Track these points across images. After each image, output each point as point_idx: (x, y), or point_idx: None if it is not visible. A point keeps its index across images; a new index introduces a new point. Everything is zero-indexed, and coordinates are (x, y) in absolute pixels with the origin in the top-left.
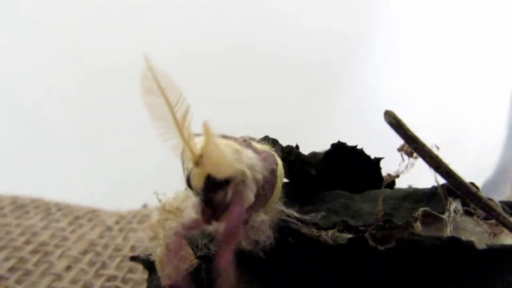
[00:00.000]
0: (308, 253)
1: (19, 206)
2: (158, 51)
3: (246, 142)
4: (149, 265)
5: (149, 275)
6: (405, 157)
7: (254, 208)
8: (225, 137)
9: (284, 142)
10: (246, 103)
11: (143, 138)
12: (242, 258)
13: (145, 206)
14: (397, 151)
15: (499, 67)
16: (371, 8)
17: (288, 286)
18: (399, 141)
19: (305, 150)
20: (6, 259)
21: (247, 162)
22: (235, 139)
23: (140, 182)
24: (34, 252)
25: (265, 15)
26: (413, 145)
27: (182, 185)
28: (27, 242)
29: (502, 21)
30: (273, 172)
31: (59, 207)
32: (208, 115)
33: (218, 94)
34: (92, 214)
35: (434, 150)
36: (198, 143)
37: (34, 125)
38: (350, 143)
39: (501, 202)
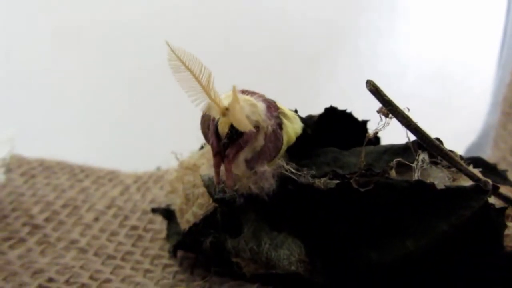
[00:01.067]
0: (304, 198)
1: (46, 167)
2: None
3: (263, 98)
4: (168, 215)
5: (168, 223)
6: (383, 117)
7: (261, 158)
8: (245, 91)
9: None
10: (246, 78)
11: (158, 107)
12: (251, 200)
13: (158, 168)
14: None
15: (486, 42)
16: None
17: (288, 225)
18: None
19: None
20: (41, 211)
21: (260, 115)
22: (253, 94)
23: (153, 146)
24: (64, 206)
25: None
26: (388, 107)
27: (196, 145)
28: (57, 198)
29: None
30: (276, 133)
31: (82, 168)
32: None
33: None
34: (112, 175)
35: (406, 111)
36: (224, 99)
37: (53, 90)
38: (345, 104)
39: (469, 157)
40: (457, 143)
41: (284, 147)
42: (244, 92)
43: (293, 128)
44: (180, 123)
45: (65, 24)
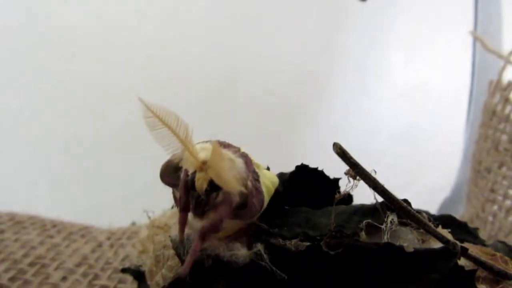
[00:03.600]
0: (276, 260)
1: (17, 222)
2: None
3: (239, 152)
4: (138, 275)
5: (138, 284)
6: (351, 179)
7: (248, 216)
8: (221, 143)
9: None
10: (223, 132)
11: (131, 160)
12: (220, 264)
13: (133, 223)
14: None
15: (454, 100)
16: (343, 42)
17: None
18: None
19: (276, 171)
20: (7, 270)
21: (239, 172)
22: (229, 146)
23: (128, 201)
24: (32, 264)
25: (245, 52)
26: (355, 170)
27: (169, 203)
28: (25, 255)
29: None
30: (256, 187)
31: (54, 223)
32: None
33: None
34: (85, 231)
35: (372, 173)
36: (200, 150)
37: (25, 142)
38: (321, 161)
39: (440, 216)
40: (431, 198)
41: (267, 199)
42: (220, 144)
43: (269, 179)
44: (158, 176)
45: (40, 77)
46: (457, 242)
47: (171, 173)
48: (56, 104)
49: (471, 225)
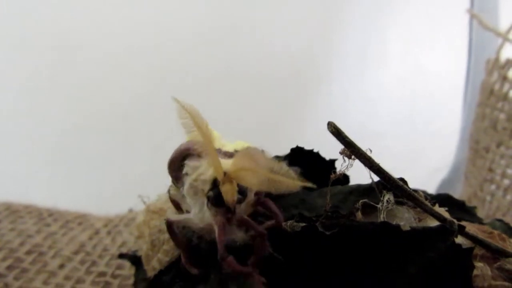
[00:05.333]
0: (272, 241)
1: (13, 211)
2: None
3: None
4: (136, 261)
5: (136, 269)
6: (346, 159)
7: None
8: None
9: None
10: (226, 114)
11: (127, 149)
12: (215, 245)
13: (130, 210)
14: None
15: (452, 81)
16: (342, 31)
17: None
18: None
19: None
20: (4, 259)
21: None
22: (225, 154)
23: (126, 189)
24: (29, 252)
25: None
26: (351, 149)
27: (164, 189)
28: (22, 244)
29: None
30: None
31: (50, 212)
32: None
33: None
34: (82, 218)
35: (368, 152)
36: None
37: (23, 133)
38: (321, 151)
39: (438, 195)
40: (430, 179)
41: None
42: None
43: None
44: (155, 162)
45: (36, 69)
46: (454, 220)
47: (178, 162)
48: (53, 93)
49: (469, 204)
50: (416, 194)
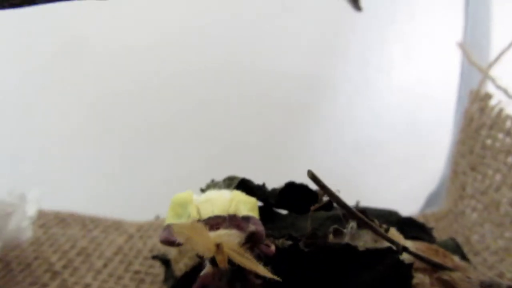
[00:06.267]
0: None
1: (61, 219)
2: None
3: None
4: (165, 261)
5: (166, 269)
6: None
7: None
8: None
9: (268, 165)
10: (229, 127)
11: (154, 156)
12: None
13: (157, 217)
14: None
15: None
16: (345, 41)
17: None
18: (365, 160)
19: (286, 169)
20: (59, 259)
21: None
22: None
23: (150, 196)
24: (78, 254)
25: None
26: (324, 189)
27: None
28: (72, 247)
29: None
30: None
31: (91, 219)
32: (192, 135)
33: (200, 119)
34: (118, 225)
35: (336, 192)
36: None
37: (52, 137)
38: (327, 159)
39: (404, 218)
40: (431, 185)
41: (257, 215)
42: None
43: (251, 205)
44: (177, 171)
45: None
46: (399, 242)
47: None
48: (86, 104)
49: (445, 218)
50: (371, 223)
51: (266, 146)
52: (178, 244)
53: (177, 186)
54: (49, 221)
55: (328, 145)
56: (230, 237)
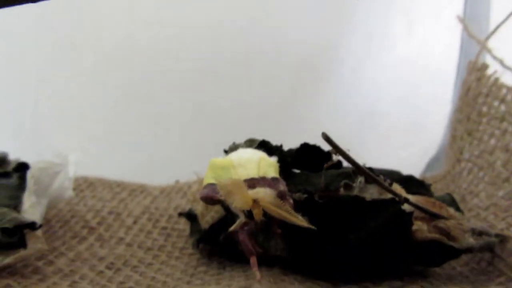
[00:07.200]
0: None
1: (90, 183)
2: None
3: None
4: (190, 217)
5: (191, 224)
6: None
7: None
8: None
9: (277, 133)
10: (240, 100)
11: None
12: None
13: (177, 181)
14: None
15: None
16: (349, 15)
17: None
18: (368, 130)
19: (294, 137)
20: (94, 217)
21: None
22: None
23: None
24: (110, 213)
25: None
26: (336, 149)
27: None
28: (103, 207)
29: None
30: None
31: (117, 183)
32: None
33: (210, 88)
34: (142, 188)
35: (346, 151)
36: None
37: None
38: (331, 130)
39: (406, 175)
40: (429, 154)
41: (277, 174)
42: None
43: (274, 167)
44: (192, 139)
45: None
46: (401, 194)
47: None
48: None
49: (443, 180)
50: (377, 178)
51: (273, 115)
52: (216, 201)
53: (195, 152)
54: (80, 185)
55: (333, 115)
56: (265, 194)
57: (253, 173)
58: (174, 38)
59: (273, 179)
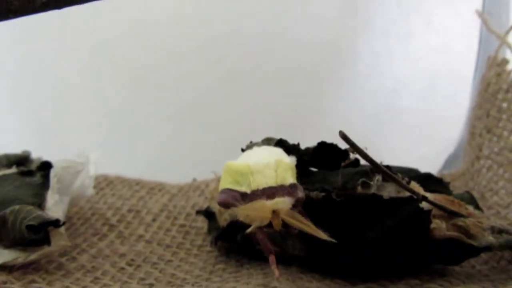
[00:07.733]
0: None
1: (110, 182)
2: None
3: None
4: (208, 215)
5: (209, 221)
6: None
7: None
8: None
9: (295, 131)
10: (257, 97)
11: (189, 127)
12: None
13: (194, 180)
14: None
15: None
16: (366, 10)
17: None
18: (386, 126)
19: (311, 135)
20: (114, 214)
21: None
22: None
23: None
24: (129, 210)
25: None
26: (354, 147)
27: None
28: (123, 204)
29: None
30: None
31: (136, 181)
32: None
33: (228, 86)
34: (161, 186)
35: (364, 149)
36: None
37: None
38: (349, 126)
39: (424, 173)
40: (448, 150)
41: (294, 176)
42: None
43: (291, 169)
44: (210, 137)
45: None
46: (419, 192)
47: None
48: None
49: (461, 177)
50: (395, 176)
51: (289, 111)
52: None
53: (212, 150)
54: (100, 183)
55: (350, 111)
56: (284, 204)
57: (271, 181)
58: (192, 36)
59: (291, 186)
